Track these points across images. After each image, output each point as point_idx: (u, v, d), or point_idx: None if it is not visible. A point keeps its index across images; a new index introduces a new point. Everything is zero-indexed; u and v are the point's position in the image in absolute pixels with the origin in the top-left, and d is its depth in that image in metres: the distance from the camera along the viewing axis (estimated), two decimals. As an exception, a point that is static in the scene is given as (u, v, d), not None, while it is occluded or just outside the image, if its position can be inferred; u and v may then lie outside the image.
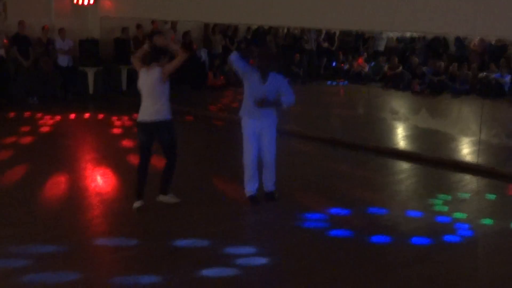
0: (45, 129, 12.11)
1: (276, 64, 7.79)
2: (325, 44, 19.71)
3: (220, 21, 15.58)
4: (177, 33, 16.81)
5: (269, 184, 7.95)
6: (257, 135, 7.71)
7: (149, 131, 7.44)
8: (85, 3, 15.46)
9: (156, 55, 7.45)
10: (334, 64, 19.76)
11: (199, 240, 6.66)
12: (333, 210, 7.77)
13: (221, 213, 7.58)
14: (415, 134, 12.77)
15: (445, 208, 7.98)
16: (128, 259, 6.20)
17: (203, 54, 17.33)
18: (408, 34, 19.16)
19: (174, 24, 16.71)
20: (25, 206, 7.66)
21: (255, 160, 7.78)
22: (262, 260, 6.25)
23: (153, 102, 7.37)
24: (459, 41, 18.17)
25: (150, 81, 7.36)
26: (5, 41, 14.17)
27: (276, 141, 7.83)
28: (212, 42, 17.61)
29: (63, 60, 15.07)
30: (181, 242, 6.58)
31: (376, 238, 6.87)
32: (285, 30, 19.11)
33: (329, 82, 19.10)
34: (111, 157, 10.02)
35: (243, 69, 7.59)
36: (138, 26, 16.03)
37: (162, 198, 7.75)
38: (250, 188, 7.88)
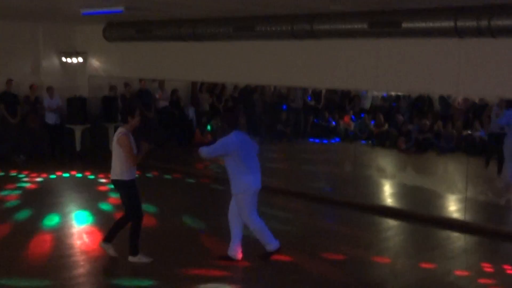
0: (32, 186, 12.05)
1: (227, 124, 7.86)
2: (312, 103, 19.91)
3: (207, 80, 15.74)
4: (164, 91, 16.93)
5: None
6: None
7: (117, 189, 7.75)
8: (74, 61, 15.60)
9: (123, 116, 7.66)
10: (316, 121, 19.89)
11: None
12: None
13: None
14: (402, 192, 12.81)
15: (434, 265, 7.96)
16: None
17: (191, 112, 17.44)
18: (393, 93, 19.42)
19: (161, 83, 16.85)
20: (7, 266, 7.56)
21: None
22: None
23: (113, 161, 7.60)
24: (443, 99, 18.42)
25: (114, 140, 7.56)
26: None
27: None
28: (200, 100, 17.76)
29: (51, 118, 15.10)
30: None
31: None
32: (272, 89, 19.31)
33: (317, 140, 19.21)
34: (98, 214, 9.96)
35: (227, 151, 7.58)
36: (126, 85, 16.14)
37: (104, 245, 7.82)
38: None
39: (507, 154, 12.40)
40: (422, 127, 17.26)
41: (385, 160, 16.92)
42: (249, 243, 7.99)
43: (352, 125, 19.22)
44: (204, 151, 7.64)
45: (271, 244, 7.84)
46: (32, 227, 9.24)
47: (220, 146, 7.57)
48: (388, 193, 12.89)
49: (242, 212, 7.73)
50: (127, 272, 7.57)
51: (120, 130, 7.55)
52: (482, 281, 7.47)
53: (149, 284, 7.09)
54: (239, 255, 7.86)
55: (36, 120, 14.91)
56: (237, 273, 7.62)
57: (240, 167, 7.56)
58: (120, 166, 7.54)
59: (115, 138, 7.56)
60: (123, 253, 7.78)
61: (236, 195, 7.74)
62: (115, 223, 7.87)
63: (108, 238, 7.82)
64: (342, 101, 20.51)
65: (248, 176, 7.60)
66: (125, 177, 7.55)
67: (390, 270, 7.79)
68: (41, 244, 8.41)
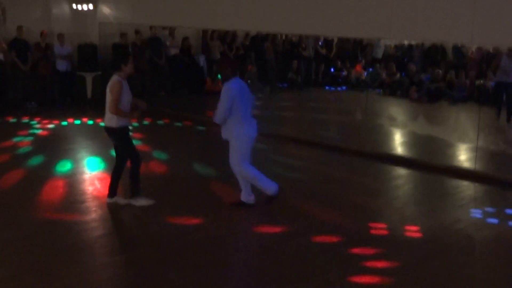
0: (43, 133, 12.14)
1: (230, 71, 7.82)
2: (323, 51, 19.75)
3: (218, 27, 15.61)
4: (175, 39, 16.84)
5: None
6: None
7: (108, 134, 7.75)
8: (84, 8, 15.48)
9: (116, 63, 7.60)
10: (332, 70, 19.81)
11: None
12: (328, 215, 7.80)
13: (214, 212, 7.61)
14: (413, 141, 12.81)
15: (442, 214, 8.01)
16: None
17: (201, 60, 17.36)
18: (405, 42, 19.21)
19: (172, 30, 16.74)
20: (22, 209, 7.68)
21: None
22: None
23: (107, 109, 7.58)
24: (457, 49, 18.22)
25: (107, 88, 7.55)
26: (3, 45, 14.17)
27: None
28: (210, 48, 17.63)
29: (62, 65, 15.11)
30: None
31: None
32: (283, 37, 19.14)
33: (327, 87, 19.14)
34: (109, 161, 10.04)
35: (232, 101, 7.56)
36: (137, 32, 16.04)
37: (111, 201, 7.86)
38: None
39: None
40: (435, 77, 17.13)
41: (397, 109, 16.86)
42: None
43: (364, 74, 19.11)
44: (218, 118, 7.62)
45: (270, 188, 7.88)
46: (44, 173, 9.34)
47: (225, 100, 7.53)
48: (399, 142, 12.89)
49: (233, 158, 7.76)
50: (138, 215, 7.66)
51: (114, 77, 7.52)
52: (488, 230, 7.53)
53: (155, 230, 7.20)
54: (252, 198, 7.94)
55: (47, 67, 14.91)
56: (249, 216, 7.69)
57: (234, 114, 7.56)
58: (109, 112, 7.55)
59: (108, 85, 7.54)
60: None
61: (229, 140, 7.76)
62: (111, 176, 7.89)
63: (111, 193, 7.86)
64: (354, 49, 20.35)
65: (241, 124, 7.61)
66: (114, 124, 7.55)
67: (400, 218, 7.85)
68: (54, 190, 8.51)
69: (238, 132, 7.64)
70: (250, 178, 7.82)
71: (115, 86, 7.43)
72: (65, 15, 15.67)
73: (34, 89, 14.91)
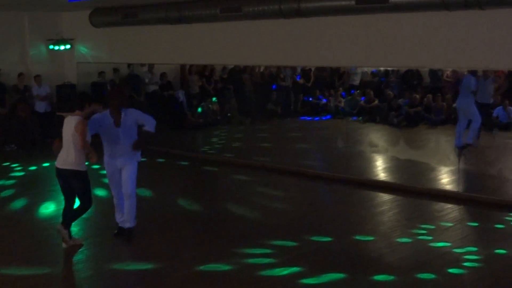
0: (24, 175, 12.04)
1: (126, 99, 8.10)
2: (301, 81, 19.89)
3: (196, 62, 15.72)
4: (153, 75, 16.89)
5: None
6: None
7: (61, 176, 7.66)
8: (61, 49, 15.50)
9: (81, 102, 7.59)
10: (306, 99, 19.90)
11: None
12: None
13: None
14: (395, 166, 12.88)
15: (429, 238, 8.05)
16: None
17: (181, 95, 17.39)
18: (382, 68, 19.42)
19: (151, 67, 16.80)
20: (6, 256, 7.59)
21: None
22: None
23: (66, 149, 7.51)
24: (433, 72, 18.45)
25: (69, 129, 7.46)
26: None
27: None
28: (189, 82, 17.71)
29: (41, 106, 15.05)
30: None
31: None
32: (261, 68, 19.27)
33: (308, 118, 19.24)
34: (93, 201, 9.97)
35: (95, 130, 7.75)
36: (115, 70, 16.11)
37: (61, 229, 7.77)
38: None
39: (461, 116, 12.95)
40: (413, 101, 17.31)
41: (377, 135, 16.98)
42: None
43: (343, 102, 19.25)
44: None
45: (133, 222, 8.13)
46: (28, 216, 9.25)
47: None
48: (381, 168, 12.96)
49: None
50: (126, 257, 7.61)
51: (76, 117, 7.46)
52: (475, 254, 7.57)
53: (149, 268, 7.14)
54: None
55: (26, 109, 14.84)
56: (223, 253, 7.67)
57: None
58: (77, 155, 7.47)
59: (70, 125, 7.45)
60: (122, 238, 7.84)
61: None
62: (74, 210, 7.86)
63: (65, 225, 7.82)
64: (332, 78, 20.51)
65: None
66: (82, 167, 7.56)
67: (386, 244, 7.87)
68: (38, 232, 8.43)
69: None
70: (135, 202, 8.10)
71: (83, 127, 7.37)
72: (42, 56, 15.67)
73: (13, 131, 14.82)
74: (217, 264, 7.20)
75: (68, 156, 7.51)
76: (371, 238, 8.11)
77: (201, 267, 7.09)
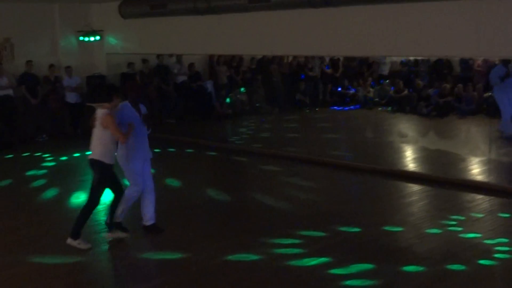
0: (56, 165, 12.19)
1: (142, 92, 8.27)
2: (330, 71, 19.82)
3: (224, 52, 15.75)
4: (182, 66, 16.97)
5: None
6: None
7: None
8: (91, 40, 15.63)
9: (108, 94, 7.48)
10: (339, 89, 19.86)
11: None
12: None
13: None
14: (425, 156, 12.75)
15: (459, 229, 7.97)
16: None
17: (209, 86, 17.45)
18: (411, 57, 19.25)
19: (179, 57, 16.89)
20: (39, 245, 7.70)
21: None
22: None
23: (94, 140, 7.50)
24: (464, 62, 18.24)
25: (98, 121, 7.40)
26: (13, 81, 14.30)
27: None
28: (218, 73, 17.75)
29: (71, 97, 15.21)
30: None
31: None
32: (290, 59, 19.23)
33: (336, 107, 19.16)
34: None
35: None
36: (144, 61, 16.21)
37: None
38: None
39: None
40: (443, 91, 17.14)
41: (406, 125, 16.85)
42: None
43: (372, 92, 19.13)
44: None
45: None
46: (59, 205, 9.38)
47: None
48: (410, 158, 12.86)
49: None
50: (154, 247, 7.67)
51: (103, 110, 7.38)
52: (506, 245, 7.48)
53: (177, 257, 7.19)
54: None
55: (57, 100, 15.02)
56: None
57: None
58: (101, 147, 7.43)
59: (98, 118, 7.38)
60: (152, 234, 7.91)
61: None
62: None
63: (73, 234, 7.52)
64: (361, 67, 20.41)
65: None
66: (104, 159, 7.43)
67: (415, 235, 7.82)
68: (70, 222, 8.53)
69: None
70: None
71: (110, 119, 7.31)
72: (72, 47, 15.83)
73: (44, 122, 15.02)
74: (245, 254, 7.22)
75: (94, 146, 7.52)
76: (400, 229, 8.06)
77: (229, 257, 7.12)
